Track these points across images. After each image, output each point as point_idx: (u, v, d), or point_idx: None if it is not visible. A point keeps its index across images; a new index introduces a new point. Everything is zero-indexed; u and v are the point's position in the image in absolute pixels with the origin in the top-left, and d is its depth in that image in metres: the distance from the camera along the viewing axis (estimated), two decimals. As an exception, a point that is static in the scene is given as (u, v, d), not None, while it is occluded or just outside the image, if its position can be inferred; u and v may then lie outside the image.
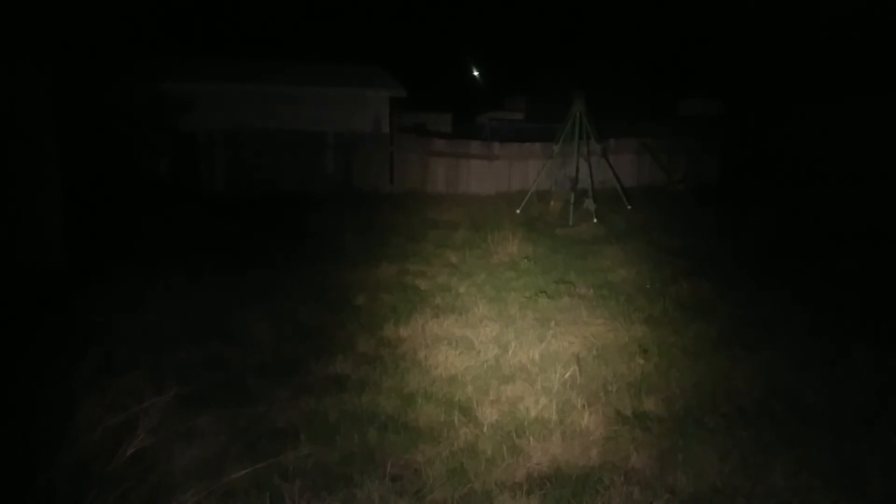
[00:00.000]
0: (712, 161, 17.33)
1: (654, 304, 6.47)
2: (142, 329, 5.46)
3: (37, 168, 7.13)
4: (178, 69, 15.42)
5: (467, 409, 4.23)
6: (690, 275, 7.52)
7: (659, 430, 3.98)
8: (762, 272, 7.83)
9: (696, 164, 17.08)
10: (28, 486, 3.24)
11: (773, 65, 21.88)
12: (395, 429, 3.93)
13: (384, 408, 4.21)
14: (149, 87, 14.21)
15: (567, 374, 4.68)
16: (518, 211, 12.00)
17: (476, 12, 32.59)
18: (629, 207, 12.33)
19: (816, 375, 4.76)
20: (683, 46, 23.76)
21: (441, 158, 15.27)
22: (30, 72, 6.99)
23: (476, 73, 33.66)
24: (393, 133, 16.13)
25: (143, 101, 13.87)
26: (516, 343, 5.33)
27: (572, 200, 11.66)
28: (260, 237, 9.56)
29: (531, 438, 3.82)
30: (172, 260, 7.80)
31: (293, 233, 9.93)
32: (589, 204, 11.66)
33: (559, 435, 3.88)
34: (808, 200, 12.98)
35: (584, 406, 4.23)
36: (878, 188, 13.44)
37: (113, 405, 3.98)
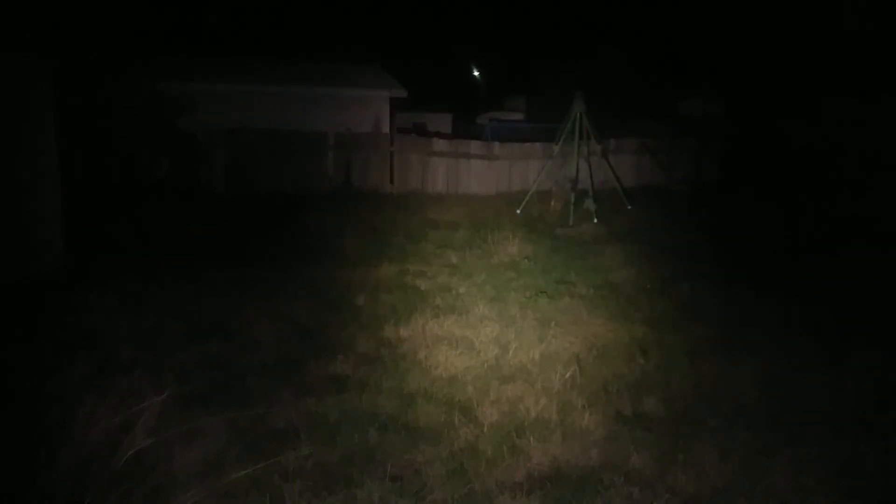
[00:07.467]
0: (712, 161, 17.34)
1: (654, 304, 6.47)
2: (142, 329, 5.46)
3: (36, 168, 7.12)
4: (178, 69, 15.41)
5: (467, 409, 4.22)
6: (690, 275, 7.52)
7: (659, 430, 3.97)
8: (762, 272, 7.83)
9: (696, 163, 17.09)
10: (28, 486, 3.24)
11: (774, 64, 21.89)
12: (396, 429, 3.92)
13: (384, 408, 4.21)
14: (148, 87, 14.21)
15: (567, 375, 4.68)
16: (518, 211, 11.99)
17: (476, 12, 32.61)
18: (629, 207, 12.33)
19: (816, 376, 4.76)
20: (683, 46, 23.77)
21: (441, 158, 15.27)
22: (30, 71, 6.99)
23: (476, 73, 33.64)
24: (393, 133, 16.12)
25: (142, 101, 13.86)
26: (516, 343, 5.33)
27: (572, 200, 11.66)
28: (260, 237, 9.56)
29: (531, 438, 3.81)
30: (173, 260, 7.79)
31: (293, 233, 9.92)
32: (589, 204, 11.66)
33: (559, 435, 3.87)
34: (809, 200, 12.97)
35: (584, 406, 4.23)
36: (878, 188, 13.44)
37: (113, 405, 3.98)
